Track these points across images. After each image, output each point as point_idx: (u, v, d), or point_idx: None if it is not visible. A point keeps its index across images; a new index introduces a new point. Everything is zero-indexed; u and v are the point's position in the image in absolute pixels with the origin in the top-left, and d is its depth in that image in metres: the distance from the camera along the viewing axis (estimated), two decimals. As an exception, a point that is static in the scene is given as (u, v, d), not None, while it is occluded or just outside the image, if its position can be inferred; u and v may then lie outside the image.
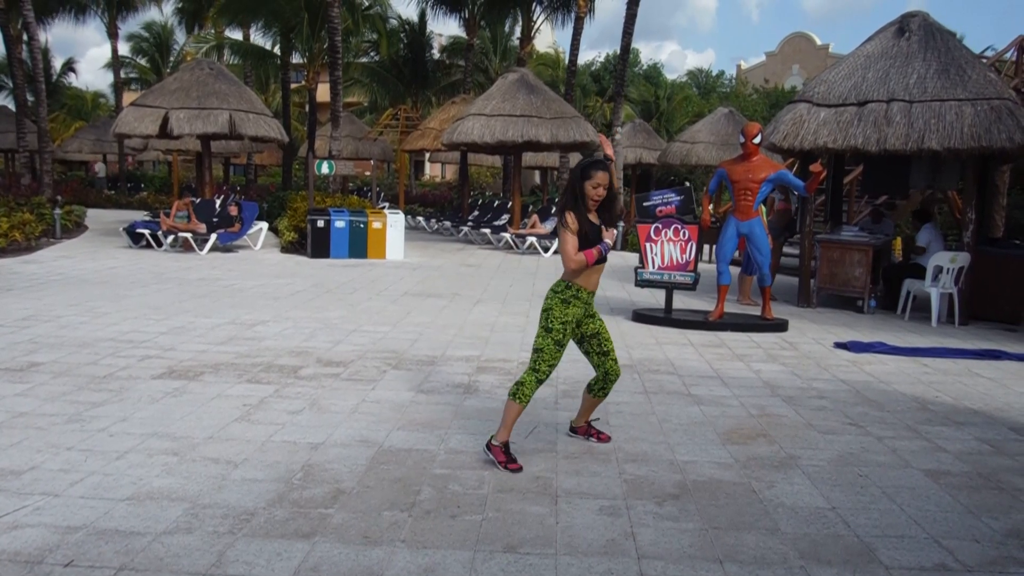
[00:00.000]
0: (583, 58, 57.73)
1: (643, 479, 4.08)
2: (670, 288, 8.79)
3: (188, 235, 14.44)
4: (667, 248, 8.64)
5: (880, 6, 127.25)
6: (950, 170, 10.74)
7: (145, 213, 20.99)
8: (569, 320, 4.16)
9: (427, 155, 33.28)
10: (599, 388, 4.49)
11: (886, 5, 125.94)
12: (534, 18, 26.23)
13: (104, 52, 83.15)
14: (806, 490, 4.02)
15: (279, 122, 18.88)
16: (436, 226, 21.81)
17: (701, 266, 9.01)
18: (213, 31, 31.06)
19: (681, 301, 9.56)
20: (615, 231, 4.23)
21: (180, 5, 31.48)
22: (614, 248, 4.37)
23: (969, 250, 9.72)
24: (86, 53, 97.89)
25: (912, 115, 9.50)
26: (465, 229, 19.32)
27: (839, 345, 7.93)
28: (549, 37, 41.57)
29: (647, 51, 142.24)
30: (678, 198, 12.25)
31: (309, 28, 24.31)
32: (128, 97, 32.49)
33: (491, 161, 31.08)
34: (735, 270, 11.17)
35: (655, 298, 10.34)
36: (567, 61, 24.86)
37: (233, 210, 15.14)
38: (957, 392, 6.24)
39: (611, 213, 4.20)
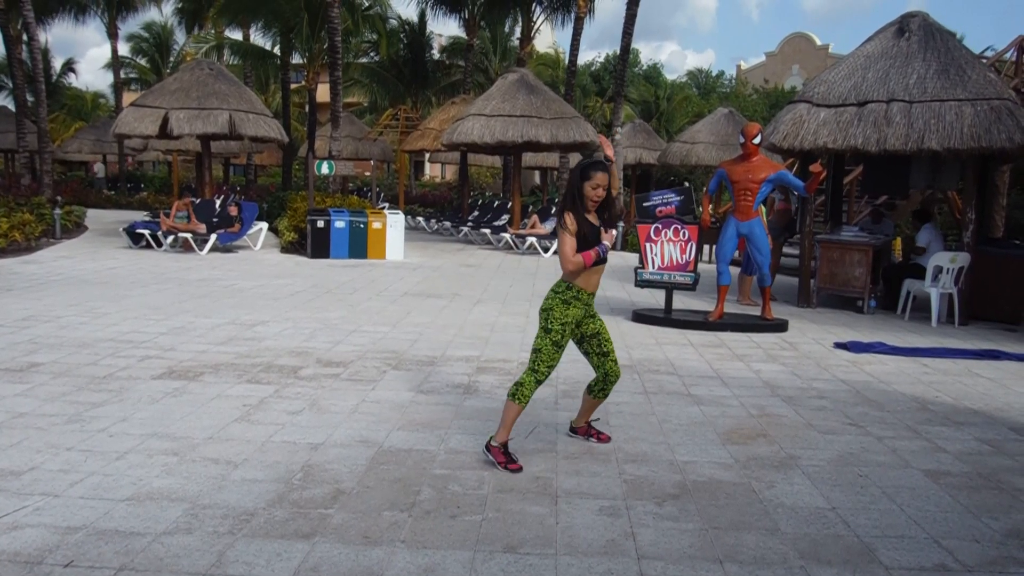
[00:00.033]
0: (583, 58, 57.76)
1: (643, 479, 4.08)
2: (670, 288, 8.79)
3: (188, 235, 14.44)
4: (667, 248, 8.65)
5: (880, 6, 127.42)
6: (950, 170, 10.74)
7: (145, 213, 20.96)
8: (569, 321, 4.16)
9: (427, 155, 33.26)
10: (599, 389, 4.49)
11: (886, 5, 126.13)
12: (534, 18, 26.24)
13: (104, 52, 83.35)
14: (806, 490, 4.02)
15: (279, 122, 18.89)
16: (436, 226, 21.80)
17: (701, 266, 9.01)
18: (213, 31, 31.07)
19: (681, 301, 9.56)
20: (614, 232, 4.23)
21: (180, 5, 31.47)
22: (614, 248, 4.38)
23: (969, 250, 9.72)
24: (86, 53, 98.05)
25: (912, 115, 9.50)
26: (465, 229, 19.32)
27: (839, 345, 7.94)
28: (549, 37, 41.57)
29: (647, 51, 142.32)
30: (678, 198, 12.27)
31: (309, 28, 24.30)
32: (128, 97, 32.49)
33: (491, 161, 31.07)
34: (735, 270, 11.18)
35: (655, 298, 10.34)
36: (567, 61, 24.85)
37: (233, 210, 15.14)
38: (957, 392, 6.24)
39: (610, 214, 4.20)
